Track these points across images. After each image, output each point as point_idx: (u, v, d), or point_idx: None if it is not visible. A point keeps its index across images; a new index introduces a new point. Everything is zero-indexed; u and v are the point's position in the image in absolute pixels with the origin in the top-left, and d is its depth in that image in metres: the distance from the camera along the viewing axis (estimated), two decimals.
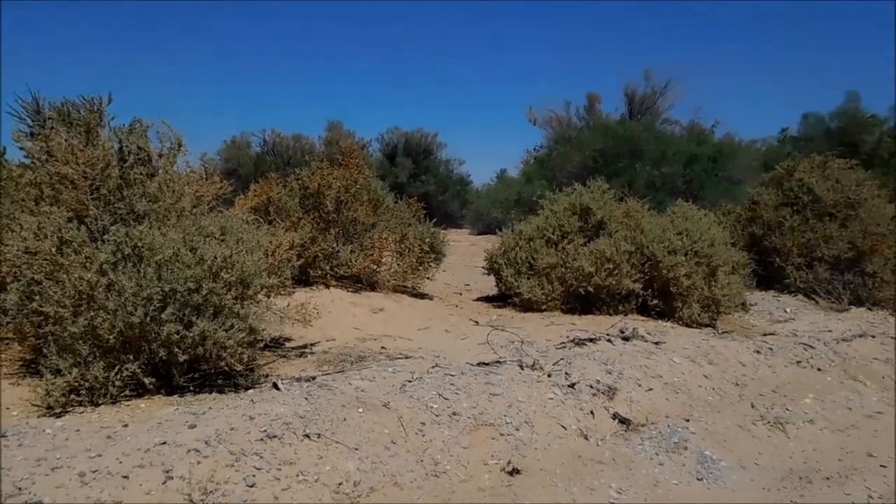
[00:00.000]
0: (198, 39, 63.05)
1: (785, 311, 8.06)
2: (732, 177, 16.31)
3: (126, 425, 3.13)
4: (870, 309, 8.32)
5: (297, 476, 2.84)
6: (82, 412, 3.34)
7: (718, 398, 4.66)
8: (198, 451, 2.79)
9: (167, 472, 2.64)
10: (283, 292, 5.05)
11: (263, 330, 4.01)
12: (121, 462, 2.66)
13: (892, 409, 4.97)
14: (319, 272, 6.73)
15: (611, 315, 6.82)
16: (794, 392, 4.98)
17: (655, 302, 7.02)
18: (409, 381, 3.96)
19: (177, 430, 2.98)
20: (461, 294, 8.52)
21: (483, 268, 8.22)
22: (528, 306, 7.17)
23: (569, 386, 4.18)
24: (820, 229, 9.25)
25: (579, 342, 5.31)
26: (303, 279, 6.57)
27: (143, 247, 3.59)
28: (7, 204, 4.19)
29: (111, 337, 3.41)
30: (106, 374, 3.40)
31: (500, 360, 4.69)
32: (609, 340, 5.37)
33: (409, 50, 65.17)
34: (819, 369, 5.50)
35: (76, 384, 3.36)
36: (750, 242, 9.57)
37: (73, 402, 3.37)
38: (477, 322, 6.59)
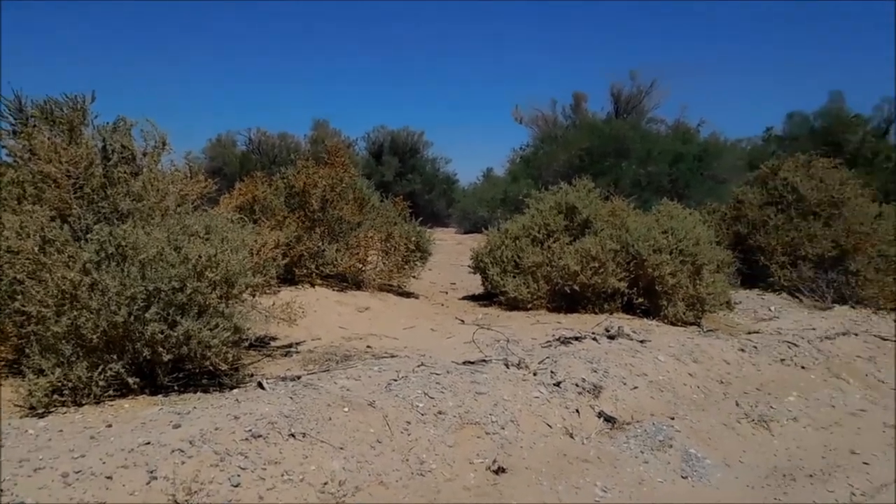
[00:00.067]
0: (188, 39, 62.86)
1: (769, 310, 8.14)
2: (717, 176, 16.49)
3: (110, 425, 3.11)
4: (853, 307, 8.43)
5: (282, 476, 2.83)
6: (65, 412, 3.31)
7: (703, 396, 4.70)
8: (182, 451, 2.78)
9: (151, 472, 2.62)
10: (268, 291, 5.04)
11: (248, 329, 4.00)
12: (104, 462, 2.64)
13: (875, 407, 5.03)
14: (305, 271, 6.71)
15: (596, 313, 6.86)
16: (779, 390, 5.02)
17: (641, 300, 7.06)
18: (395, 380, 3.95)
19: (161, 430, 2.96)
20: (447, 293, 8.52)
21: (469, 266, 8.24)
22: (513, 305, 7.19)
23: (554, 384, 4.19)
24: (804, 228, 9.37)
25: (565, 341, 5.33)
26: (288, 278, 6.54)
27: (126, 246, 3.57)
28: None
29: (94, 336, 3.38)
30: (89, 374, 3.37)
31: (486, 358, 4.69)
32: (594, 339, 5.40)
33: (396, 50, 65.47)
34: (803, 367, 5.55)
35: (59, 384, 3.33)
36: (735, 241, 9.67)
37: (56, 402, 3.34)
38: (463, 321, 6.60)
